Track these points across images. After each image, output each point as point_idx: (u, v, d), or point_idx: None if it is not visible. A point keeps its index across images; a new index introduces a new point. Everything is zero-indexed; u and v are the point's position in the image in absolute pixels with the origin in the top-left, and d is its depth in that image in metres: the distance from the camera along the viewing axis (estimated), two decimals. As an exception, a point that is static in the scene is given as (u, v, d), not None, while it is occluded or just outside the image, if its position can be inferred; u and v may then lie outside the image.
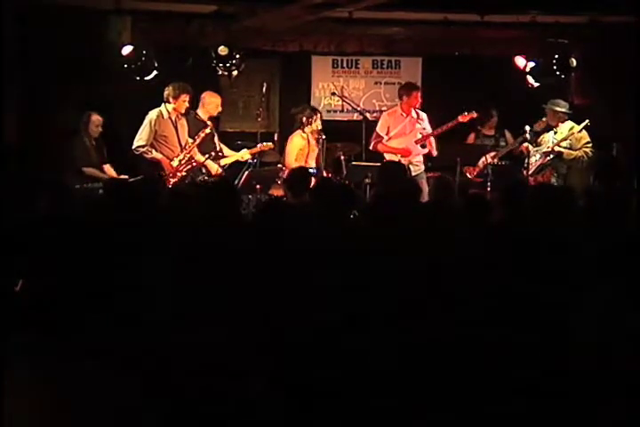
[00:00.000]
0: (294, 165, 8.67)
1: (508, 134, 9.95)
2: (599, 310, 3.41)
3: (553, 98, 9.29)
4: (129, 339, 3.64)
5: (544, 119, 9.15)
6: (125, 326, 3.73)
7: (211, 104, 8.81)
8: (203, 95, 8.87)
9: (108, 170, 8.56)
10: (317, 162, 8.86)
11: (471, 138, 10.00)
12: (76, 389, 3.35)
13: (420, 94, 9.17)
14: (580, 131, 8.90)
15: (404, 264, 4.20)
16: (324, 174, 8.73)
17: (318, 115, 8.95)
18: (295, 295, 3.90)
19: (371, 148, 9.31)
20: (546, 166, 9.09)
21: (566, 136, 8.95)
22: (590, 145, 8.97)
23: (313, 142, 8.83)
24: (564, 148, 8.97)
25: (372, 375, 3.57)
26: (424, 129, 9.29)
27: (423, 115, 9.34)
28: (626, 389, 3.27)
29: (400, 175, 7.46)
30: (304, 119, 8.84)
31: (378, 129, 9.31)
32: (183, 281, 4.03)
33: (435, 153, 9.25)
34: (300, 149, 8.89)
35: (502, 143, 9.86)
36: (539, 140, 9.21)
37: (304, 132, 8.86)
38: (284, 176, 8.81)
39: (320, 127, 8.89)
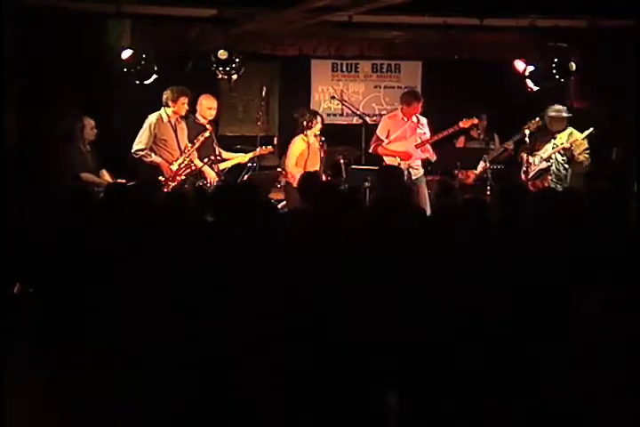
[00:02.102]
0: (294, 169, 8.65)
1: (497, 138, 9.98)
2: (599, 310, 3.41)
3: (552, 102, 9.30)
4: (129, 340, 3.64)
5: (537, 119, 9.13)
6: (125, 327, 3.73)
7: (202, 105, 8.77)
8: (199, 98, 8.86)
9: (104, 175, 8.50)
10: (320, 166, 8.79)
11: (461, 141, 10.03)
12: (75, 389, 3.35)
13: (419, 106, 9.12)
14: (583, 139, 8.91)
15: (405, 266, 4.20)
16: (323, 178, 8.71)
17: (319, 118, 8.89)
18: (294, 297, 3.90)
19: (370, 150, 9.31)
20: (545, 172, 9.09)
21: (570, 142, 8.94)
22: (588, 152, 8.99)
23: (316, 146, 8.79)
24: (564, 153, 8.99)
25: (372, 376, 3.57)
26: (424, 134, 9.29)
27: (423, 119, 9.33)
28: (626, 389, 3.28)
29: (398, 179, 7.47)
30: (304, 123, 8.80)
31: (378, 132, 9.30)
32: (183, 282, 4.03)
33: (434, 158, 9.24)
34: (300, 153, 8.86)
35: (492, 146, 9.90)
36: (538, 145, 9.21)
37: (305, 135, 8.83)
38: (287, 180, 8.86)
39: (319, 131, 8.84)
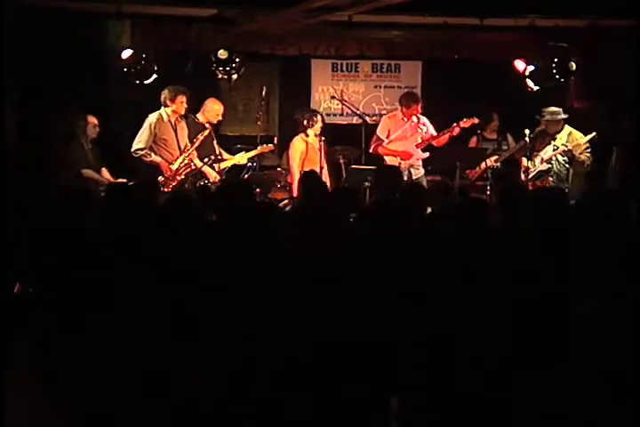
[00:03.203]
0: (297, 169, 8.66)
1: (510, 138, 9.96)
2: (600, 310, 3.42)
3: (552, 102, 9.30)
4: (129, 340, 3.64)
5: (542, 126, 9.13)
6: (126, 326, 3.73)
7: (211, 112, 8.82)
8: (206, 101, 8.90)
9: (105, 173, 8.54)
10: (321, 165, 8.78)
11: (473, 141, 10.00)
12: (76, 390, 3.35)
13: (419, 107, 9.16)
14: (585, 143, 8.91)
15: (404, 267, 4.20)
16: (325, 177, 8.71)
17: (319, 117, 8.90)
18: (296, 300, 3.89)
19: (371, 150, 9.33)
20: (545, 173, 9.08)
21: (573, 145, 8.93)
22: (589, 150, 8.99)
23: (316, 145, 8.80)
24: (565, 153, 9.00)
25: (371, 378, 3.57)
26: (426, 133, 9.30)
27: (424, 119, 9.36)
28: (626, 389, 3.28)
29: (398, 178, 7.47)
30: (305, 122, 8.81)
31: (378, 132, 9.32)
32: (184, 282, 4.03)
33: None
34: (301, 152, 8.87)
35: (504, 147, 9.87)
36: (537, 146, 9.19)
37: (306, 135, 8.83)
38: (289, 181, 8.87)
39: (319, 130, 8.84)
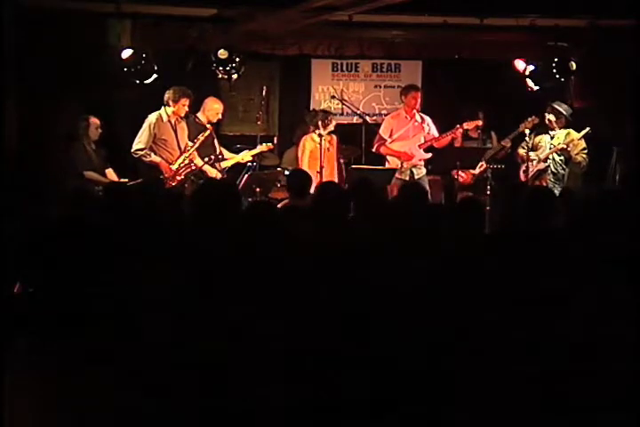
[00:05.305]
0: (305, 168, 8.69)
1: (494, 137, 9.98)
2: (593, 310, 3.43)
3: (552, 101, 9.31)
4: (129, 340, 3.64)
5: (533, 117, 9.12)
6: (126, 326, 3.73)
7: (211, 111, 8.84)
8: (206, 100, 8.91)
9: (110, 174, 8.50)
10: (321, 165, 8.78)
11: (458, 140, 10.03)
12: (76, 390, 3.35)
13: (418, 95, 9.20)
14: (579, 139, 8.93)
15: (404, 265, 4.20)
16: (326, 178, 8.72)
17: (331, 117, 9.04)
18: (295, 299, 3.89)
19: (374, 150, 9.35)
20: (544, 172, 9.10)
21: (566, 142, 8.96)
22: (586, 151, 9.01)
23: (324, 145, 8.82)
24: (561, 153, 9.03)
25: (372, 378, 3.56)
26: (428, 133, 9.32)
27: (427, 119, 9.37)
28: (624, 389, 3.28)
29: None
30: (319, 122, 8.85)
31: (381, 131, 9.35)
32: (185, 284, 4.03)
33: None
34: (311, 151, 8.92)
35: (489, 145, 9.89)
36: (535, 144, 9.21)
37: (318, 135, 8.86)
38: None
39: (333, 129, 8.97)
